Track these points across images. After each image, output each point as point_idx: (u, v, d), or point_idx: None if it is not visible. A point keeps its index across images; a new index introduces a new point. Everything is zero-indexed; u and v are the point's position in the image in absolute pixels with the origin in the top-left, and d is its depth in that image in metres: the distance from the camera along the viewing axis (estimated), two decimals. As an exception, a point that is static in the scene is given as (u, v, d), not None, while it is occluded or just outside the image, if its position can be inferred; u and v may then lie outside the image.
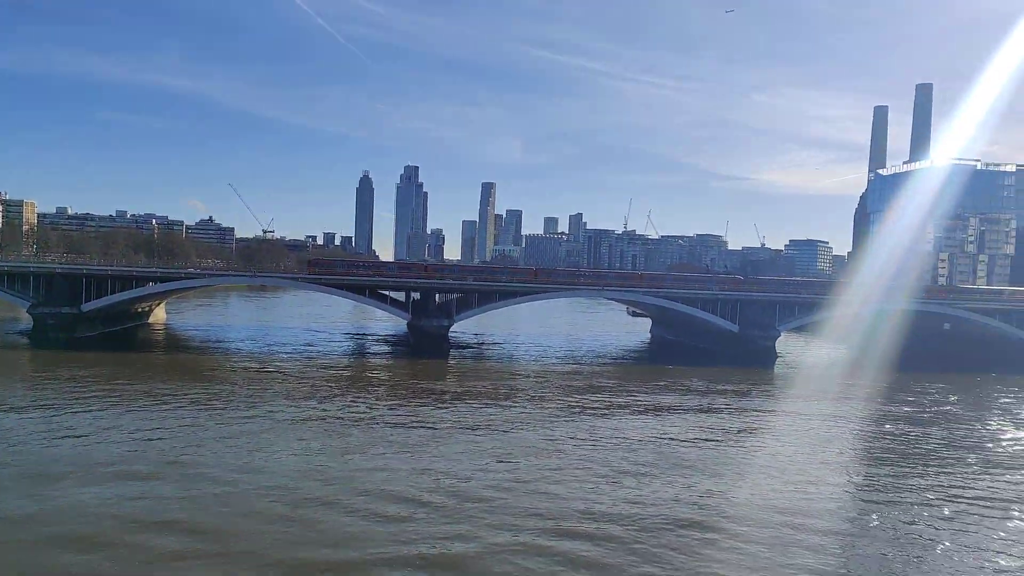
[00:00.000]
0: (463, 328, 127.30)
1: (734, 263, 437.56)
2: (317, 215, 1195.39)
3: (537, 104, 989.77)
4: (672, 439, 58.88)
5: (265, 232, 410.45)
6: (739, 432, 63.45)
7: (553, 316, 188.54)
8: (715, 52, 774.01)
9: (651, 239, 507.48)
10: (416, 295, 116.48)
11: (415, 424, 60.31)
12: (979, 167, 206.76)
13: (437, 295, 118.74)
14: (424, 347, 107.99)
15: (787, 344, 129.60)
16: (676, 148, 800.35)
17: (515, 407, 70.27)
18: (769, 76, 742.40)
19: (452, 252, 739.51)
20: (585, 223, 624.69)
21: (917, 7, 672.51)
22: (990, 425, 71.36)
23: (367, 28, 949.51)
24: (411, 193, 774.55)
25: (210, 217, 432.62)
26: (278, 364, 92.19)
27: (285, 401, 67.84)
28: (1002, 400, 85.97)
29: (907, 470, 52.86)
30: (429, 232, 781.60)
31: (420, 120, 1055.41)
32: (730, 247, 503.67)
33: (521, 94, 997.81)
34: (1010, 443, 63.44)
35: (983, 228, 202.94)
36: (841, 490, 47.74)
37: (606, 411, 69.61)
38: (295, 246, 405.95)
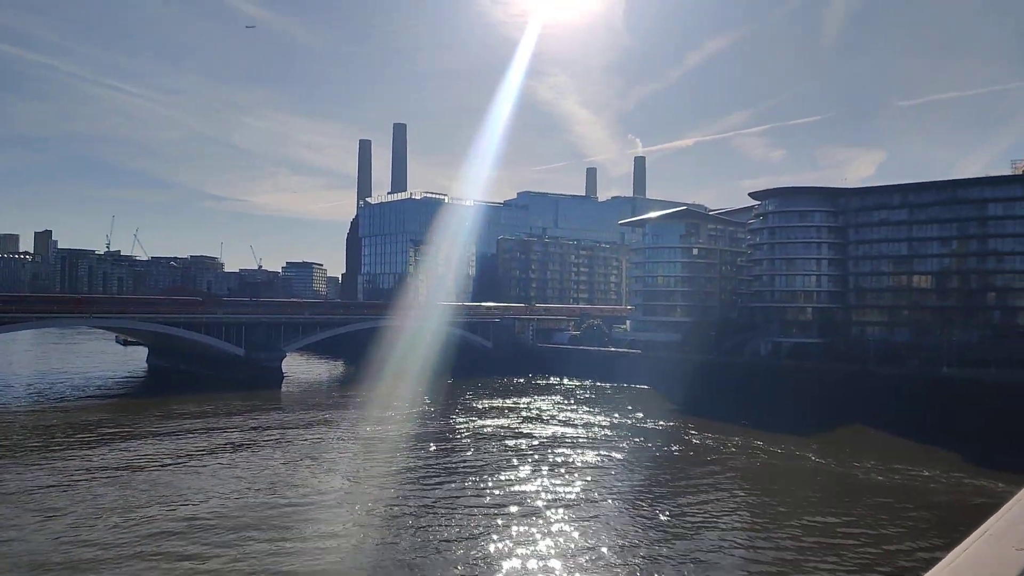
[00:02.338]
0: None
1: (232, 285, 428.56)
2: None
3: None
4: (165, 477, 54.63)
5: None
6: (232, 454, 62.53)
7: (18, 352, 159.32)
8: (201, 67, 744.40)
9: (140, 260, 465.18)
10: None
11: None
12: (447, 200, 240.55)
13: None
14: None
15: (293, 364, 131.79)
16: (162, 164, 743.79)
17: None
18: (256, 98, 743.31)
19: None
20: (56, 241, 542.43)
21: (392, 54, 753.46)
22: (449, 418, 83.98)
23: None
24: None
25: None
26: None
27: None
28: (463, 399, 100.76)
29: (401, 468, 58.45)
30: None
31: None
32: (227, 269, 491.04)
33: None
34: (458, 433, 75.15)
35: (451, 253, 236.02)
36: (334, 493, 50.28)
37: (87, 453, 61.30)
38: None
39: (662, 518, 47.33)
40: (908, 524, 46.77)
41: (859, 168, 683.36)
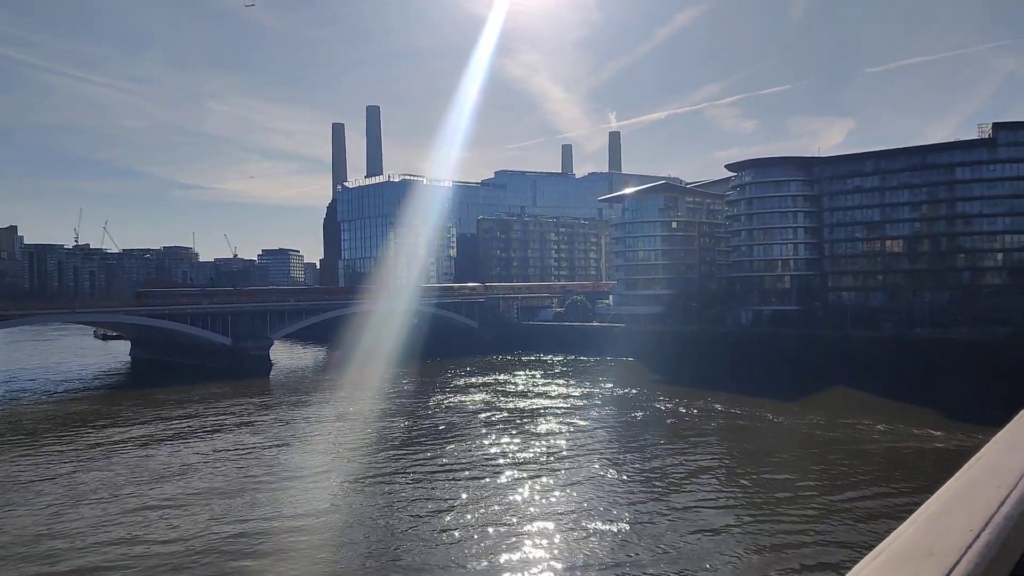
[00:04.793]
0: None
1: (209, 275, 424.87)
2: None
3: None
4: (161, 467, 55.67)
5: None
6: (231, 447, 63.13)
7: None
8: (163, 54, 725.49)
9: (111, 253, 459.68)
10: None
11: None
12: (425, 182, 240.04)
13: None
14: None
15: (279, 351, 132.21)
16: (128, 154, 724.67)
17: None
18: (222, 84, 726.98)
19: None
20: (22, 237, 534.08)
21: (360, 34, 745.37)
22: (437, 397, 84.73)
23: None
24: None
25: None
26: None
27: None
28: (450, 378, 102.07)
29: (389, 452, 59.89)
30: None
31: None
32: (202, 259, 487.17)
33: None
34: (446, 411, 76.54)
35: (431, 235, 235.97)
36: (338, 481, 51.68)
37: (73, 447, 62.08)
38: None
39: (645, 478, 49.24)
40: (884, 474, 49.16)
41: (830, 136, 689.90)
